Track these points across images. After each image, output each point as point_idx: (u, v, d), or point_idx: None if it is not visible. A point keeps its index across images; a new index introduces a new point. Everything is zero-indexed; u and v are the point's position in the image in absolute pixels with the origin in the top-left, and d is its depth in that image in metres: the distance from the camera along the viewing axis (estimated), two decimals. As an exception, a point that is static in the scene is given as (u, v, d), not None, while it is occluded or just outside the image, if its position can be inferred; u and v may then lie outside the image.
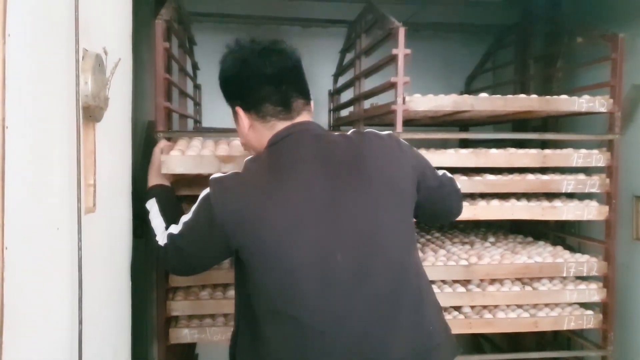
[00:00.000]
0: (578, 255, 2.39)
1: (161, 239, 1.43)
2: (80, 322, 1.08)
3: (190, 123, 3.14)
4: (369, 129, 1.43)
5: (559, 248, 2.51)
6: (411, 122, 2.88)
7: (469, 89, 3.57)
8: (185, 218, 1.38)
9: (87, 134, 1.18)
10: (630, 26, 2.48)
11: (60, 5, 1.04)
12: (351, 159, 1.33)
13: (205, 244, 1.34)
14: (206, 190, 1.34)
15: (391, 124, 2.22)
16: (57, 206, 1.03)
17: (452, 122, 3.05)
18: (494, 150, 2.24)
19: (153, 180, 1.73)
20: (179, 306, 2.05)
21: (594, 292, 2.29)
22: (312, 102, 1.44)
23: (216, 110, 3.50)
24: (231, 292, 2.15)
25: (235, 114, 1.43)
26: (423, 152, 2.16)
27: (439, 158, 2.15)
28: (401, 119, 2.10)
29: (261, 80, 1.34)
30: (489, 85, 3.44)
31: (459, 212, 1.65)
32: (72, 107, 1.07)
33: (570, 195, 2.53)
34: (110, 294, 1.45)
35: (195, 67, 3.23)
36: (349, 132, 1.43)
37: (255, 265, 1.28)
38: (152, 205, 1.56)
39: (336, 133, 1.42)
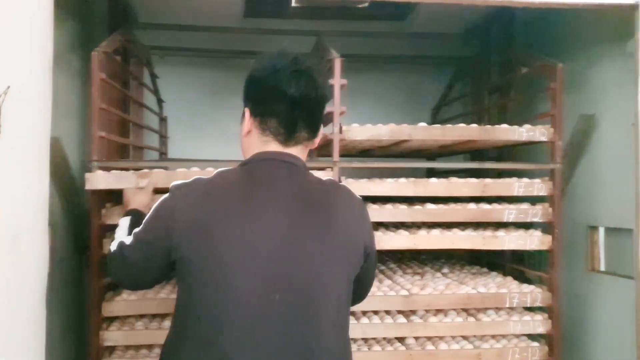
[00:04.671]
0: (524, 285, 2.36)
1: (112, 246, 1.41)
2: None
3: (152, 155, 3.18)
4: (345, 185, 1.44)
5: (509, 279, 2.48)
6: (366, 154, 2.90)
7: (435, 120, 3.59)
8: (137, 229, 1.37)
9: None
10: (581, 57, 2.50)
11: None
12: (321, 207, 1.34)
13: (150, 251, 1.32)
14: (164, 196, 1.33)
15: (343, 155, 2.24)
16: None
17: (411, 154, 3.04)
18: (433, 180, 2.24)
19: (132, 205, 1.76)
20: (112, 336, 2.04)
21: (538, 324, 2.25)
22: (316, 140, 1.43)
23: (184, 141, 3.57)
24: (167, 323, 2.14)
25: (243, 114, 1.42)
26: (362, 181, 2.16)
27: (377, 187, 2.16)
28: (338, 148, 2.13)
29: (281, 96, 1.32)
30: (453, 116, 3.46)
31: (365, 297, 1.62)
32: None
33: (521, 226, 2.51)
34: (20, 331, 1.44)
35: (160, 100, 3.28)
36: (325, 179, 1.45)
37: (192, 280, 1.27)
38: (124, 221, 1.56)
39: (315, 175, 1.43)
